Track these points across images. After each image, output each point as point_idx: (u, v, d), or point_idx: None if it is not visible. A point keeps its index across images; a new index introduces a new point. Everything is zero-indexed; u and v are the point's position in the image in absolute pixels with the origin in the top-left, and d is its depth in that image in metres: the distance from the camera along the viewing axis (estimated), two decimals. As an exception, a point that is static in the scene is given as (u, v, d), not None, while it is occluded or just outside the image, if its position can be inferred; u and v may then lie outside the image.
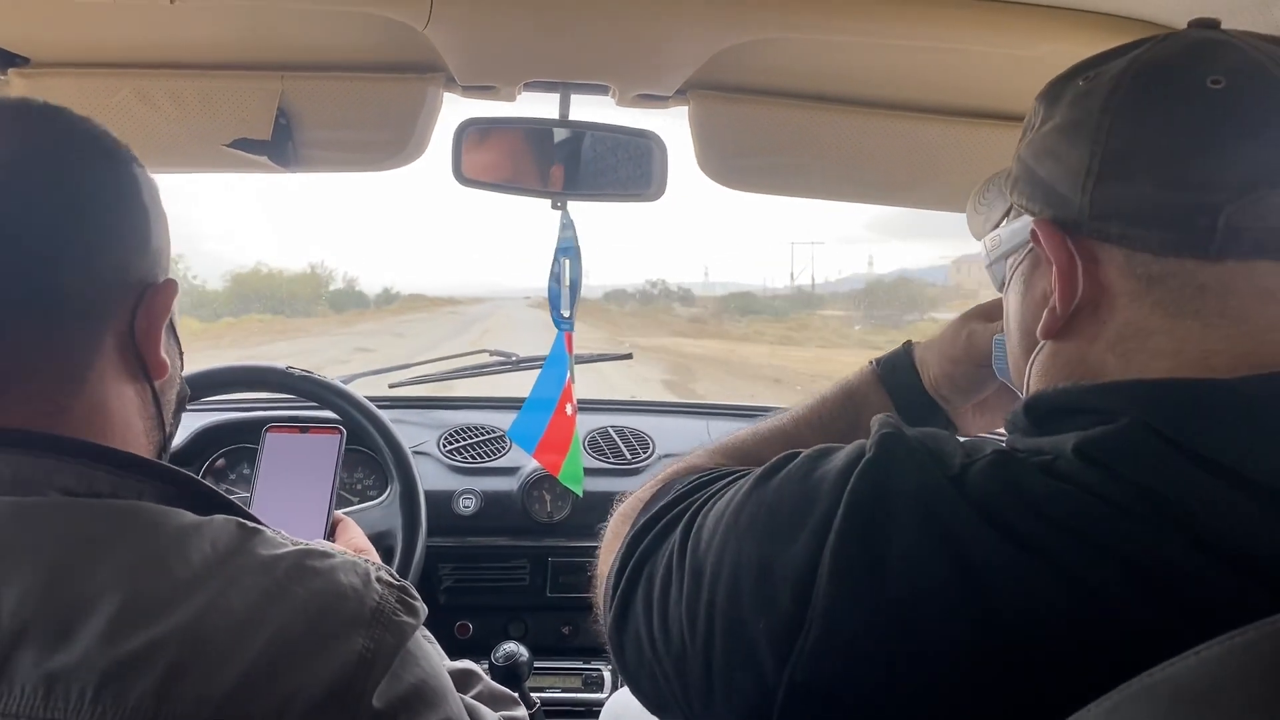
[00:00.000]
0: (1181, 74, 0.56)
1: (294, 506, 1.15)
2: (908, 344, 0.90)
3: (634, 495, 0.81)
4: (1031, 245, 0.63)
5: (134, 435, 0.68)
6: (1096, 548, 0.50)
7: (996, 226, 0.69)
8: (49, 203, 0.62)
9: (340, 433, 1.23)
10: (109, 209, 0.66)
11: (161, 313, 0.68)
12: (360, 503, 1.74)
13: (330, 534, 1.12)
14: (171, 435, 0.74)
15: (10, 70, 1.20)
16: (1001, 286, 0.71)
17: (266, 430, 1.23)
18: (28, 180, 0.62)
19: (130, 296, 0.66)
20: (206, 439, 1.80)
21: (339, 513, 1.20)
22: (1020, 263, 0.66)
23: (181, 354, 0.75)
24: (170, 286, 0.69)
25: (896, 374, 0.88)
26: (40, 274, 0.62)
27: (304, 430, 1.24)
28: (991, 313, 0.85)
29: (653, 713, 0.70)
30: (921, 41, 1.05)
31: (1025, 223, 0.63)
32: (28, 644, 0.52)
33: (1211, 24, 0.60)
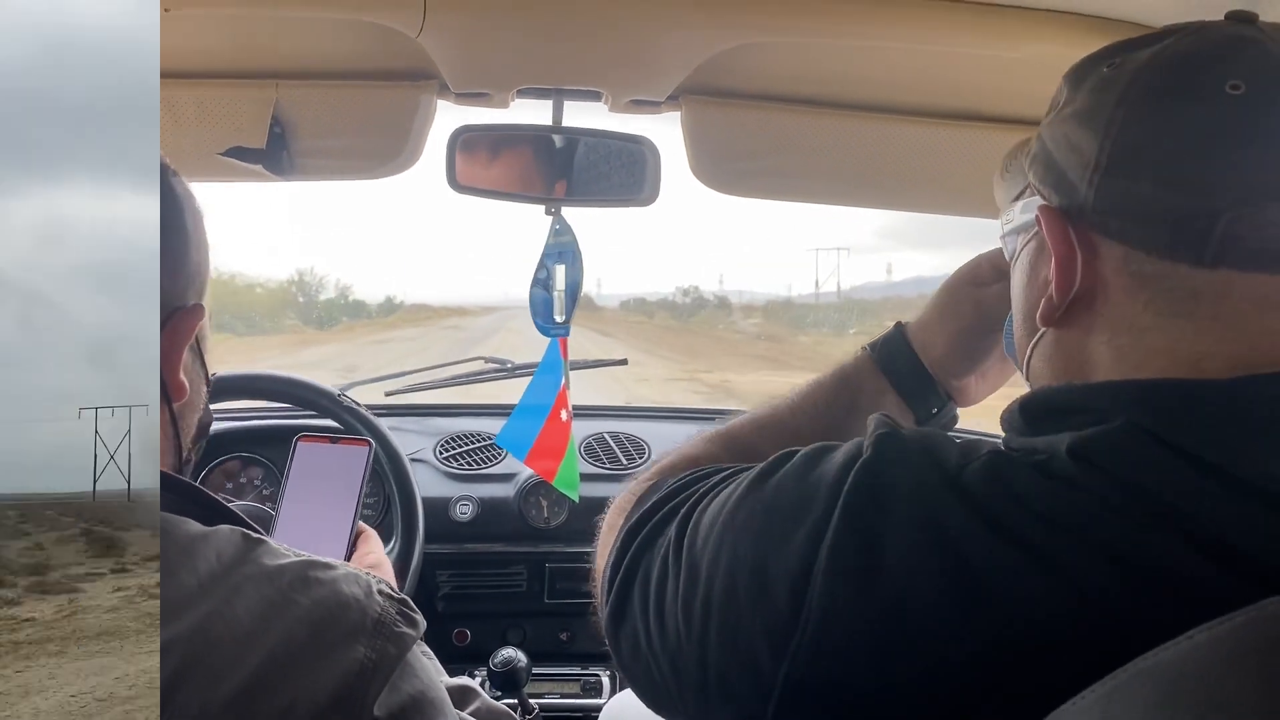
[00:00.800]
0: (1201, 74, 0.56)
1: (320, 514, 1.16)
2: (898, 325, 0.89)
3: (629, 488, 0.81)
4: (1037, 229, 0.63)
5: None
6: (1090, 546, 0.50)
7: (1016, 199, 0.69)
8: None
9: (369, 444, 1.24)
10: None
11: (184, 336, 0.68)
12: None
13: (353, 543, 1.13)
14: (188, 461, 0.73)
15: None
16: (1012, 259, 0.70)
17: (298, 439, 1.23)
18: None
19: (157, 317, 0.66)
20: (205, 447, 1.79)
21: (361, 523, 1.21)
22: (1028, 243, 0.66)
23: (208, 380, 0.74)
24: (197, 311, 0.69)
25: (893, 357, 0.87)
26: None
27: (334, 441, 1.25)
28: (978, 276, 0.85)
29: (650, 708, 0.70)
30: (910, 44, 1.06)
31: (1036, 202, 0.63)
32: None
33: (1248, 18, 0.59)
